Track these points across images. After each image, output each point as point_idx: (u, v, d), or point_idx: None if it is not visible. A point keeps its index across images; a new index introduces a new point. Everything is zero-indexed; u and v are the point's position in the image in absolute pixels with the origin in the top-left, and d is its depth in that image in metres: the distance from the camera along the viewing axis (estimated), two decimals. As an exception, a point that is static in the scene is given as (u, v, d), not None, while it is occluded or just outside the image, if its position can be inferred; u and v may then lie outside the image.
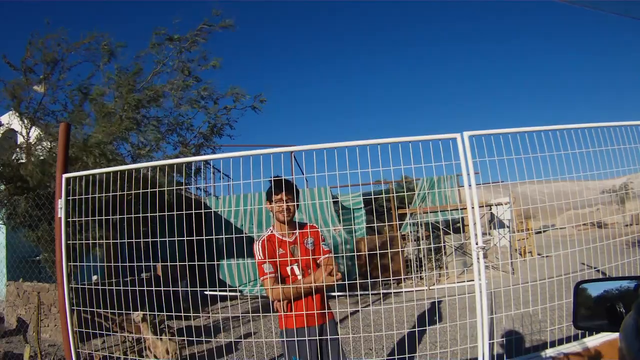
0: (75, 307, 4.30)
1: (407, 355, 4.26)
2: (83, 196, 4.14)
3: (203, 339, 5.22)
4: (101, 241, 4.95)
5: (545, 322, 4.39)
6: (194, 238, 3.78)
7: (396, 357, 4.36)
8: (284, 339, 3.35)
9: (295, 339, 3.27)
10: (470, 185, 3.70)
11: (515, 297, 4.01)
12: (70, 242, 4.24)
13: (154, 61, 8.82)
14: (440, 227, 14.11)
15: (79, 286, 4.46)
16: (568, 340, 4.15)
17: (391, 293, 10.73)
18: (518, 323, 4.96)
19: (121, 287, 4.21)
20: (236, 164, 3.61)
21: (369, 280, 7.12)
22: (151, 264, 4.29)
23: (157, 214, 4.01)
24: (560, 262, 4.36)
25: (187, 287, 8.75)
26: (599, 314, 1.78)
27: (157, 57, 8.76)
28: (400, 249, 11.92)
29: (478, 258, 3.64)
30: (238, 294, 12.33)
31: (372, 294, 9.99)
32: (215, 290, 10.02)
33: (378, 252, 4.76)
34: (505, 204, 14.88)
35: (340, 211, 15.30)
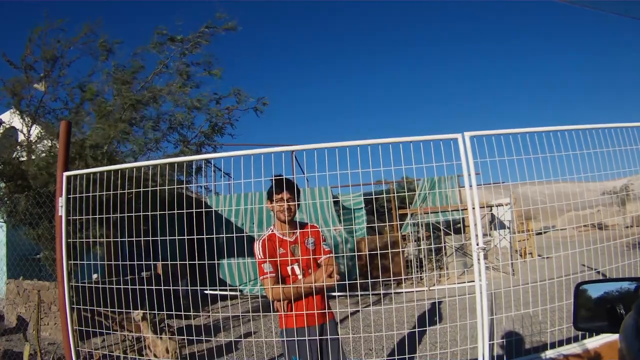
0: (75, 306, 4.30)
1: (407, 356, 4.26)
2: (84, 194, 4.14)
3: (203, 338, 5.22)
4: (101, 239, 4.95)
5: (545, 324, 4.40)
6: (195, 237, 3.78)
7: (396, 357, 4.36)
8: (284, 339, 3.35)
9: (296, 338, 3.27)
10: (471, 186, 3.69)
11: (515, 298, 4.01)
12: (71, 240, 4.24)
13: (157, 62, 8.82)
14: (441, 227, 14.10)
15: (79, 284, 4.46)
16: (568, 341, 4.15)
17: (391, 293, 10.72)
18: (518, 324, 4.96)
19: (121, 286, 4.21)
20: (237, 163, 3.61)
21: (369, 281, 7.12)
22: (151, 262, 4.29)
23: (158, 212, 4.01)
24: (560, 264, 4.36)
25: (187, 286, 8.75)
26: (599, 316, 1.78)
27: (159, 57, 8.76)
28: (400, 249, 11.91)
29: (479, 259, 3.64)
30: (238, 293, 12.33)
31: (372, 294, 9.99)
32: (216, 290, 10.02)
33: (379, 252, 4.75)
34: (506, 204, 14.86)
35: (341, 211, 15.30)
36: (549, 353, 4.04)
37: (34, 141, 8.48)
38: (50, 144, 8.30)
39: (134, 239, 4.20)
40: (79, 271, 5.16)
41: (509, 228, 15.63)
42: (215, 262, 11.36)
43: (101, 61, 8.62)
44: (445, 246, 14.31)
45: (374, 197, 15.18)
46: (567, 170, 3.90)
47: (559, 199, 4.36)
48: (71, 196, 4.19)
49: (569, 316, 1.98)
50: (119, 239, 4.34)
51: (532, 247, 15.84)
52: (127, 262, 4.35)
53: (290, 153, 10.24)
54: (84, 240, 4.51)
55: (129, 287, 4.21)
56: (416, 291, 11.18)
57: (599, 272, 4.48)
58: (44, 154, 8.20)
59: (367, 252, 11.57)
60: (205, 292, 10.10)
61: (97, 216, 4.16)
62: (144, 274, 7.37)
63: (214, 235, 4.27)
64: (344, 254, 12.09)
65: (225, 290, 11.56)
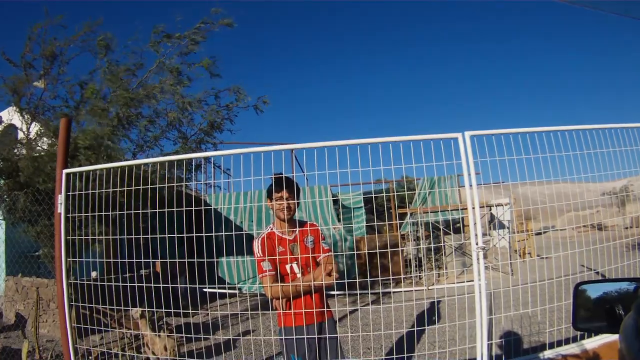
0: (73, 303, 4.30)
1: (405, 355, 4.25)
2: (83, 192, 4.14)
3: (201, 336, 5.23)
4: (100, 237, 4.95)
5: (544, 324, 4.39)
6: (194, 235, 3.77)
7: (394, 356, 4.37)
8: (283, 337, 3.35)
9: (294, 337, 3.27)
10: (470, 186, 3.69)
11: (514, 298, 4.01)
12: (70, 237, 4.23)
13: (155, 61, 8.80)
14: (441, 227, 14.10)
15: (78, 282, 4.46)
16: (567, 342, 4.15)
17: (390, 292, 10.73)
18: (517, 324, 4.96)
19: (120, 283, 4.21)
20: (236, 161, 3.61)
21: (368, 279, 7.12)
22: (150, 260, 4.28)
23: (157, 210, 4.00)
24: (559, 264, 4.35)
25: (186, 284, 8.76)
26: (598, 316, 1.78)
27: (157, 56, 8.74)
28: (400, 249, 11.91)
29: (478, 258, 3.64)
30: (237, 291, 12.32)
31: (371, 294, 9.99)
32: (214, 288, 10.03)
33: (378, 251, 4.75)
34: (506, 204, 14.86)
35: (341, 210, 15.30)
36: (548, 353, 4.04)
37: (33, 138, 8.47)
38: (49, 141, 8.29)
39: (133, 236, 4.20)
40: (77, 269, 5.16)
41: (508, 228, 15.63)
42: (214, 260, 11.38)
43: (100, 59, 8.61)
44: (444, 246, 14.32)
45: (373, 196, 15.19)
46: (567, 171, 3.90)
47: (559, 199, 4.36)
48: (70, 193, 4.19)
49: (567, 316, 1.98)
50: (118, 237, 4.34)
51: (531, 247, 15.84)
52: (126, 260, 4.35)
53: (290, 151, 10.24)
54: (83, 237, 4.50)
55: (128, 284, 4.21)
56: (415, 290, 11.18)
57: (598, 273, 4.48)
58: (42, 151, 8.19)
59: (367, 251, 11.58)
60: (204, 290, 10.13)
61: (97, 214, 4.16)
62: (142, 271, 7.37)
63: (213, 234, 4.27)
64: (343, 253, 12.10)
65: (224, 288, 11.57)
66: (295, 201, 3.44)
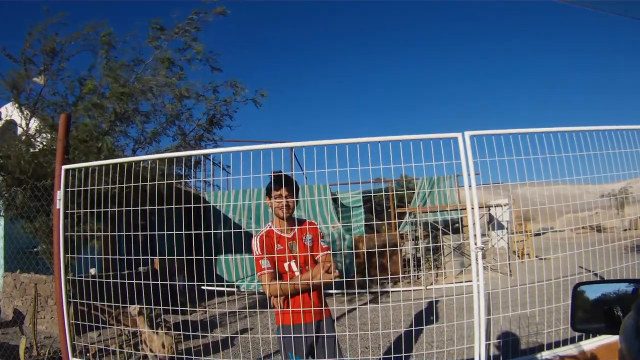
0: (72, 300, 4.30)
1: (403, 355, 4.26)
2: (82, 188, 4.13)
3: (199, 334, 5.23)
4: (99, 233, 4.95)
5: (542, 325, 4.38)
6: (192, 232, 3.77)
7: (392, 356, 4.36)
8: (281, 335, 3.34)
9: (292, 335, 3.27)
10: (470, 186, 3.69)
11: (512, 298, 4.01)
12: (68, 233, 4.23)
13: (151, 55, 8.78)
14: (440, 227, 14.09)
15: (76, 278, 4.46)
16: (565, 343, 4.15)
17: (388, 292, 10.72)
18: (515, 325, 4.96)
19: (118, 280, 4.21)
20: (236, 158, 3.61)
21: (366, 278, 7.12)
22: (149, 257, 4.28)
23: (156, 207, 4.00)
24: (558, 265, 4.36)
25: (185, 282, 8.75)
26: (596, 317, 1.78)
27: (153, 51, 8.72)
28: (399, 248, 11.91)
29: (477, 259, 3.64)
30: (235, 289, 12.32)
31: (369, 293, 9.99)
32: (213, 285, 10.02)
33: (376, 250, 4.75)
34: (505, 205, 14.87)
35: (340, 209, 15.29)
36: (545, 354, 4.04)
37: (32, 134, 8.46)
38: (48, 137, 8.28)
39: (131, 233, 4.20)
40: (76, 265, 5.16)
41: (507, 228, 15.64)
42: (213, 257, 11.37)
43: (101, 55, 8.59)
44: (443, 246, 14.32)
45: (372, 195, 15.19)
46: (567, 172, 3.90)
47: (558, 201, 4.36)
48: (69, 189, 4.19)
49: (565, 317, 1.98)
50: (116, 233, 4.34)
51: (529, 248, 15.85)
52: (125, 257, 4.34)
53: (289, 150, 10.23)
54: (81, 234, 4.50)
55: (126, 281, 4.21)
56: (413, 290, 11.19)
57: (596, 274, 4.49)
58: (41, 146, 8.18)
59: (365, 250, 11.58)
60: (203, 287, 10.13)
61: (95, 210, 4.16)
62: (141, 268, 7.36)
63: (212, 231, 4.26)
64: (342, 252, 12.10)
65: (223, 286, 11.57)
66: (294, 199, 3.43)
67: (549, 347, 4.09)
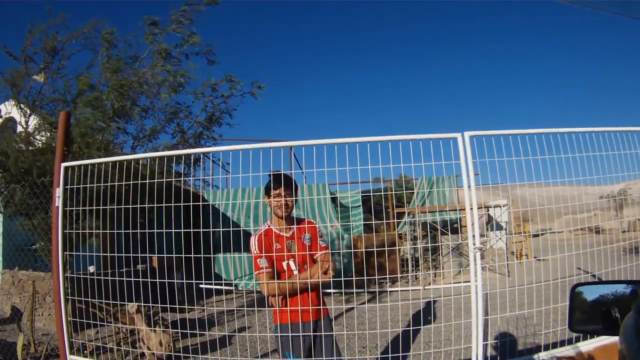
0: (69, 297, 4.30)
1: (401, 354, 4.26)
2: (81, 185, 4.13)
3: (197, 332, 5.23)
4: (98, 231, 4.95)
5: (539, 326, 4.39)
6: (191, 230, 3.77)
7: (390, 355, 4.36)
8: (279, 334, 3.35)
9: (290, 334, 3.27)
10: (469, 186, 3.69)
11: (510, 299, 4.02)
12: (67, 231, 4.23)
13: (145, 50, 8.76)
14: (438, 227, 14.10)
15: (74, 276, 4.46)
16: (562, 344, 4.15)
17: (386, 292, 10.73)
18: (512, 325, 4.97)
19: (116, 278, 4.21)
20: (235, 157, 3.61)
21: (365, 278, 7.12)
22: (147, 255, 4.29)
23: (155, 205, 4.00)
24: (556, 266, 4.36)
25: (183, 280, 8.75)
26: (594, 318, 1.78)
27: (148, 46, 8.68)
28: (397, 247, 11.91)
29: (475, 259, 3.65)
30: (233, 287, 12.32)
31: (367, 292, 9.99)
32: (211, 284, 10.02)
33: (375, 249, 4.76)
34: (503, 206, 14.88)
35: (339, 208, 15.29)
36: (543, 355, 4.04)
37: (31, 132, 8.45)
38: (48, 135, 8.27)
39: (130, 231, 4.19)
40: (74, 262, 5.16)
41: (505, 229, 15.65)
42: (211, 256, 11.36)
43: (102, 54, 8.56)
44: (441, 246, 14.33)
45: (372, 194, 15.20)
46: (566, 173, 3.91)
47: (557, 202, 4.35)
48: (68, 187, 4.19)
49: (563, 319, 1.98)
50: (115, 231, 4.33)
51: (528, 249, 15.87)
52: (123, 255, 4.34)
53: (288, 149, 10.23)
54: (80, 231, 4.50)
55: (124, 279, 4.21)
56: (411, 290, 11.19)
57: (594, 276, 4.50)
58: (40, 144, 8.17)
59: (364, 250, 11.59)
60: (200, 285, 10.13)
61: (94, 207, 4.16)
62: (139, 266, 7.36)
63: (211, 229, 4.26)
64: (340, 251, 12.10)
65: (220, 284, 11.57)
66: (293, 198, 3.43)
67: (546, 348, 4.09)
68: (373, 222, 14.22)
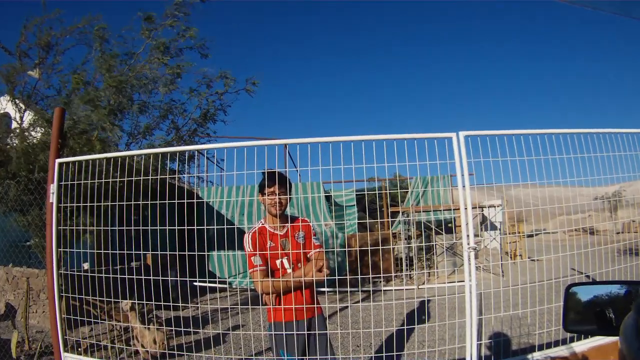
0: (64, 294, 4.29)
1: (394, 353, 4.26)
2: (75, 182, 4.12)
3: (191, 330, 5.22)
4: (92, 228, 4.93)
5: (533, 326, 4.40)
6: (185, 228, 3.77)
7: (384, 354, 4.37)
8: (272, 333, 3.34)
9: (284, 332, 3.27)
10: (463, 186, 3.70)
11: (504, 299, 4.02)
12: (61, 227, 4.22)
13: (141, 45, 8.71)
14: (433, 227, 14.13)
15: (69, 273, 4.44)
16: (556, 344, 4.16)
17: (380, 291, 10.74)
18: (506, 325, 4.97)
19: (110, 275, 4.20)
20: (229, 154, 3.61)
21: (359, 277, 7.13)
22: (141, 252, 4.27)
23: (149, 202, 3.99)
24: (550, 266, 4.37)
25: (177, 278, 8.74)
26: (588, 318, 1.78)
27: (143, 41, 8.64)
28: (391, 246, 11.93)
29: (469, 259, 3.65)
30: (227, 285, 12.32)
31: (361, 291, 10.00)
32: (205, 282, 10.02)
33: (369, 248, 4.77)
34: (498, 206, 14.92)
35: (333, 207, 15.31)
36: (537, 355, 4.05)
37: (26, 128, 8.41)
38: (43, 131, 8.24)
39: (124, 228, 4.18)
40: (68, 259, 5.14)
41: (499, 229, 15.70)
42: (205, 253, 11.36)
43: (95, 49, 8.52)
44: (435, 245, 14.36)
45: (366, 193, 15.24)
46: (561, 174, 3.91)
47: (551, 203, 4.36)
48: (62, 183, 4.17)
49: (557, 319, 1.98)
50: (109, 228, 4.32)
51: (522, 249, 15.91)
52: (117, 252, 4.34)
53: (283, 146, 10.21)
54: (74, 228, 4.48)
55: (118, 276, 4.19)
56: (405, 289, 11.20)
57: (588, 276, 4.51)
58: (34, 140, 8.14)
59: (358, 248, 11.60)
60: (194, 283, 10.12)
61: (88, 204, 4.14)
62: (133, 264, 7.34)
63: (205, 227, 4.26)
64: (334, 250, 12.12)
65: (215, 282, 11.57)
66: (287, 196, 3.43)
67: (540, 348, 4.10)
68: (367, 220, 14.25)
